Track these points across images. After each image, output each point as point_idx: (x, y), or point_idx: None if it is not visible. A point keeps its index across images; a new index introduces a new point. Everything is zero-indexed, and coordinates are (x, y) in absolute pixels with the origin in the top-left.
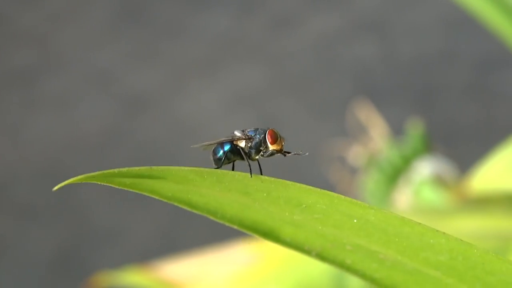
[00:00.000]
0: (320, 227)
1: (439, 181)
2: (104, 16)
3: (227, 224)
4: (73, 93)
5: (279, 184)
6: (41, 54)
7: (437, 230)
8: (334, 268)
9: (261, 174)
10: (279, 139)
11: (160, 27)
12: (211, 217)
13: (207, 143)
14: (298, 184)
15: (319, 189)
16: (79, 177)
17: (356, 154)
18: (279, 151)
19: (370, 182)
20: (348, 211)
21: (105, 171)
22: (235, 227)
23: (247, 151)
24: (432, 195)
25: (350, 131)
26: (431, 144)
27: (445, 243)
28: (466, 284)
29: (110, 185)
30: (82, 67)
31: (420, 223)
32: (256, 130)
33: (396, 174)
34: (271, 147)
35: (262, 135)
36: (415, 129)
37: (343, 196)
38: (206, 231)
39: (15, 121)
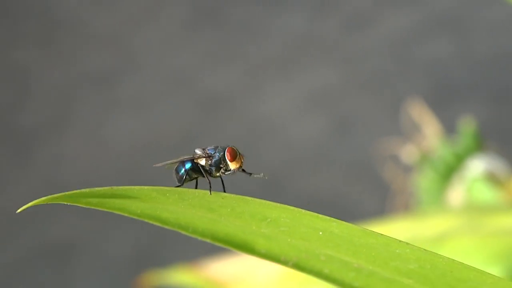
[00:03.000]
0: (289, 239)
1: (491, 178)
2: (180, 17)
3: (199, 238)
4: (150, 95)
5: (240, 200)
6: (119, 56)
7: (400, 241)
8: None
9: (224, 191)
10: (238, 156)
11: (235, 27)
12: (183, 232)
13: (169, 162)
14: (259, 200)
15: (280, 204)
16: (43, 198)
17: (409, 152)
18: (239, 168)
19: (424, 180)
20: (312, 224)
21: (70, 192)
22: (208, 240)
23: (207, 169)
24: (484, 192)
25: (404, 130)
26: (483, 142)
27: (411, 252)
28: None
29: (77, 205)
30: (159, 69)
31: (382, 234)
32: (216, 148)
33: (449, 172)
34: (231, 165)
35: (222, 153)
36: (467, 127)
37: (303, 210)
38: None
39: (93, 123)
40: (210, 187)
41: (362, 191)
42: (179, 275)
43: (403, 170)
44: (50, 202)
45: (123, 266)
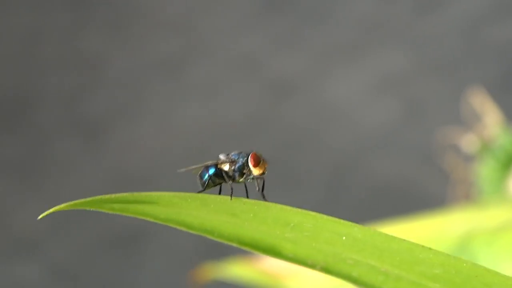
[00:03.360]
0: (314, 244)
1: None
2: (249, 3)
3: (225, 242)
4: (219, 80)
5: (262, 205)
6: (187, 42)
7: (423, 246)
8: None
9: (247, 197)
10: (261, 162)
11: (304, 12)
12: (208, 236)
13: (193, 167)
14: (280, 205)
15: (301, 210)
16: (65, 204)
17: (470, 141)
18: (262, 174)
19: (485, 170)
20: (335, 229)
21: (94, 198)
22: (234, 244)
23: (231, 174)
24: None
25: (465, 118)
26: None
27: (434, 257)
28: None
29: (100, 210)
30: (227, 54)
31: (405, 240)
32: (239, 153)
33: (510, 161)
34: (254, 170)
35: (245, 158)
36: None
37: (325, 216)
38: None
39: (162, 110)
40: (232, 192)
41: (429, 177)
42: (235, 268)
43: (464, 160)
44: (72, 208)
45: (189, 256)
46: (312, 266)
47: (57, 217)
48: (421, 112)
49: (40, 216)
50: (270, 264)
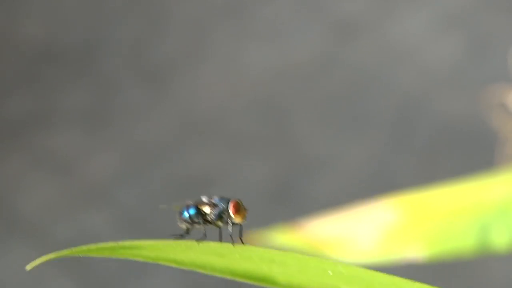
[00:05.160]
0: (304, 276)
1: None
2: None
3: (218, 275)
4: (283, 21)
5: (245, 248)
6: None
7: (407, 280)
8: (481, 226)
9: (220, 241)
10: (241, 209)
11: None
12: (201, 271)
13: (175, 205)
14: (262, 248)
15: (283, 251)
16: (50, 255)
17: None
18: (241, 221)
19: None
20: (320, 266)
21: (82, 248)
22: (228, 277)
23: (210, 218)
24: None
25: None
26: None
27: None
28: None
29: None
30: None
31: (388, 275)
32: (221, 198)
33: None
34: (233, 217)
35: (226, 204)
36: None
37: (307, 256)
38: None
39: (226, 52)
40: (205, 235)
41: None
42: (279, 236)
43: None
44: (60, 257)
45: (258, 199)
46: None
47: (125, 164)
48: (486, 48)
49: (29, 267)
50: (312, 233)
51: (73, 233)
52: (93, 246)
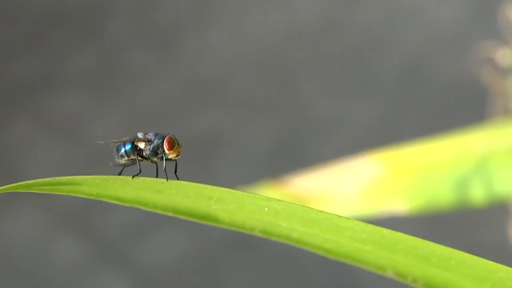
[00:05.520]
0: (242, 213)
1: None
2: None
3: (160, 212)
4: None
5: (180, 184)
6: None
7: (339, 216)
8: (460, 181)
9: (157, 177)
10: (175, 146)
11: None
12: (143, 208)
13: (112, 140)
14: (196, 183)
15: (219, 187)
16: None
17: (506, 55)
18: (176, 157)
19: None
20: (255, 202)
21: (26, 182)
22: (169, 214)
23: (145, 153)
24: None
25: (502, 32)
26: None
27: (354, 225)
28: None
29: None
30: None
31: (322, 211)
32: (156, 134)
33: None
34: (168, 153)
35: (160, 140)
36: None
37: (240, 191)
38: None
39: (231, 15)
40: (140, 170)
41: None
42: (265, 192)
43: (501, 73)
44: (8, 191)
45: (262, 159)
46: (251, 230)
47: (130, 127)
48: (490, 10)
49: None
50: (298, 188)
51: None
52: (31, 182)
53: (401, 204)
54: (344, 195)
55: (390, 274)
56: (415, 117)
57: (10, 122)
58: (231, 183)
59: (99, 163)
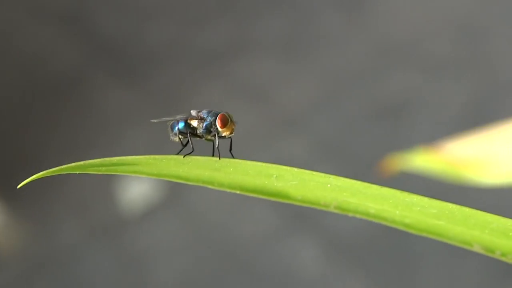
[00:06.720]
0: (309, 190)
1: None
2: None
3: (228, 190)
4: None
5: (235, 162)
6: None
7: (401, 191)
8: None
9: (213, 155)
10: (229, 123)
11: None
12: (208, 186)
13: (165, 119)
14: (251, 161)
15: (275, 164)
16: (54, 169)
17: None
18: (229, 134)
19: None
20: (315, 179)
21: (79, 163)
22: (237, 192)
23: (199, 131)
24: None
25: None
26: None
27: (419, 201)
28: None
29: (87, 172)
30: None
31: (383, 187)
32: (209, 112)
33: None
34: (221, 131)
35: (213, 118)
36: None
37: (296, 168)
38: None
39: None
40: (193, 149)
41: None
42: (418, 158)
43: None
44: (59, 173)
45: (451, 120)
46: (325, 206)
47: (321, 92)
48: None
49: (21, 184)
50: (451, 154)
51: (271, 160)
52: (84, 163)
53: None
54: (500, 161)
55: (476, 248)
56: None
57: (202, 87)
58: (422, 141)
59: (289, 128)
